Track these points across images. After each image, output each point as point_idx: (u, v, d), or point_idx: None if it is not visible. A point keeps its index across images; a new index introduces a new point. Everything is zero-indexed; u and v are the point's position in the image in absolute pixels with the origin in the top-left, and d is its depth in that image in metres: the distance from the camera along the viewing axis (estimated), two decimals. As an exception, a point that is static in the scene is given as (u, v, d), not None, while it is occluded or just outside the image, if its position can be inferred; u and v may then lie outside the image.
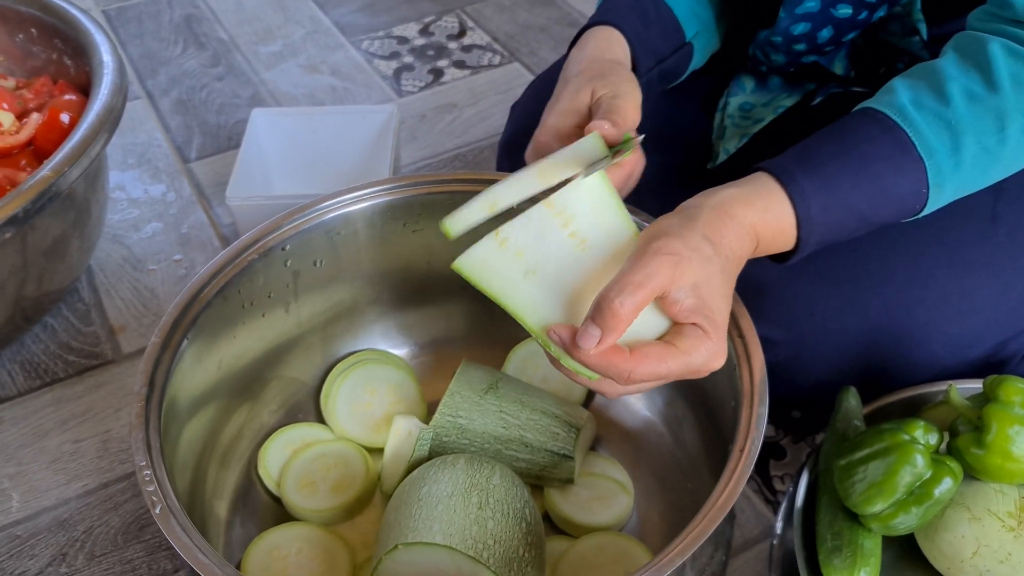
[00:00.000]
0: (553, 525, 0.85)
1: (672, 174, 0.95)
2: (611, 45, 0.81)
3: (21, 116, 1.12)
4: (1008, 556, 0.72)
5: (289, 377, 0.92)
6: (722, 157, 0.94)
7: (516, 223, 0.64)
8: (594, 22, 0.83)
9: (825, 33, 0.85)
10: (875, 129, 0.68)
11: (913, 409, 0.82)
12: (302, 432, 0.90)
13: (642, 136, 0.79)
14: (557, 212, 0.64)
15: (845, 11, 0.83)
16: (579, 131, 0.73)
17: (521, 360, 0.95)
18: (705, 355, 0.62)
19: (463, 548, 0.70)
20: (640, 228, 0.67)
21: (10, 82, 1.20)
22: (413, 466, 0.84)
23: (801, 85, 0.95)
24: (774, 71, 0.95)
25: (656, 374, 0.61)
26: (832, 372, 0.84)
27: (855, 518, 0.74)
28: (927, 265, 0.81)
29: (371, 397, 0.91)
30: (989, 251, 0.82)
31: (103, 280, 1.18)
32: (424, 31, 1.63)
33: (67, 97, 1.12)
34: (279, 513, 0.86)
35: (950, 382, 0.79)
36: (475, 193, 0.88)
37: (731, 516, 0.75)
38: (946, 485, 0.71)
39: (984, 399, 0.74)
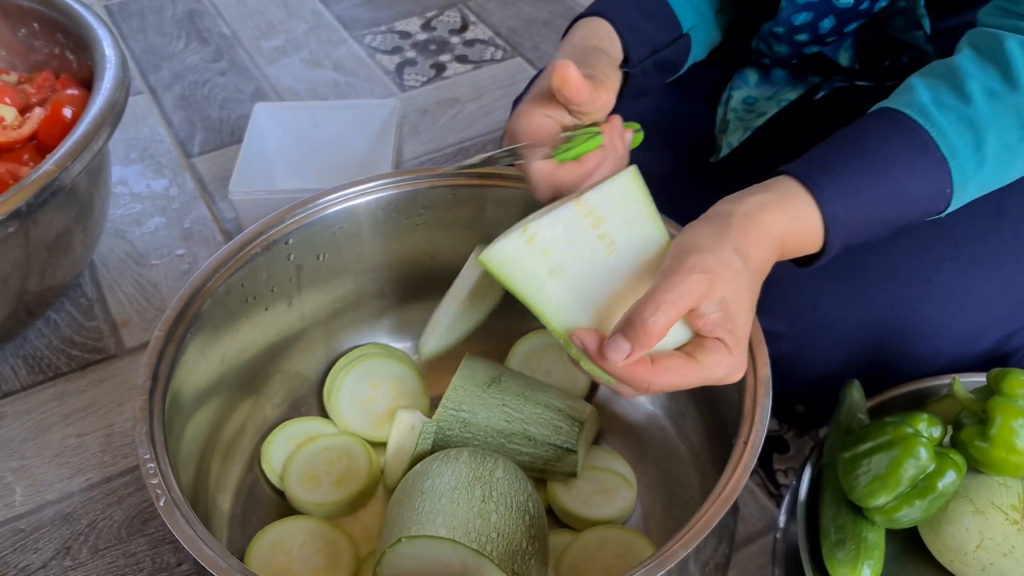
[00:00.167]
0: (556, 519, 0.85)
1: (675, 168, 0.95)
2: (597, 35, 0.80)
3: (24, 111, 1.12)
4: (1012, 549, 0.72)
5: (292, 371, 0.92)
6: (725, 151, 0.93)
7: (546, 221, 0.63)
8: (585, 14, 0.83)
9: (827, 23, 0.85)
10: (895, 129, 0.68)
11: (917, 402, 0.82)
12: (305, 426, 0.90)
13: (640, 131, 0.79)
14: (588, 212, 0.63)
15: (846, 0, 0.83)
16: (549, 118, 0.72)
17: (524, 354, 0.95)
18: (725, 370, 0.62)
19: (466, 541, 0.70)
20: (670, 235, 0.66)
21: (12, 77, 1.19)
22: (416, 460, 0.84)
23: (805, 78, 0.95)
24: (777, 63, 0.95)
25: (674, 385, 0.61)
26: (836, 366, 0.84)
27: (859, 511, 0.74)
28: (931, 259, 0.81)
29: (374, 391, 0.91)
30: (994, 245, 0.82)
31: (106, 275, 1.18)
32: (426, 26, 1.63)
33: (69, 92, 1.12)
34: (282, 507, 0.86)
35: (954, 375, 0.79)
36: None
37: (735, 509, 0.75)
38: (950, 478, 0.71)
39: (988, 392, 0.74)
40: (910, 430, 0.72)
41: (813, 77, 0.94)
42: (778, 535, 0.79)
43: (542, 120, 0.71)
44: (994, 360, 0.84)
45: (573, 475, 0.85)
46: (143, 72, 1.54)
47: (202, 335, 0.79)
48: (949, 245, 0.81)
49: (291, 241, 0.86)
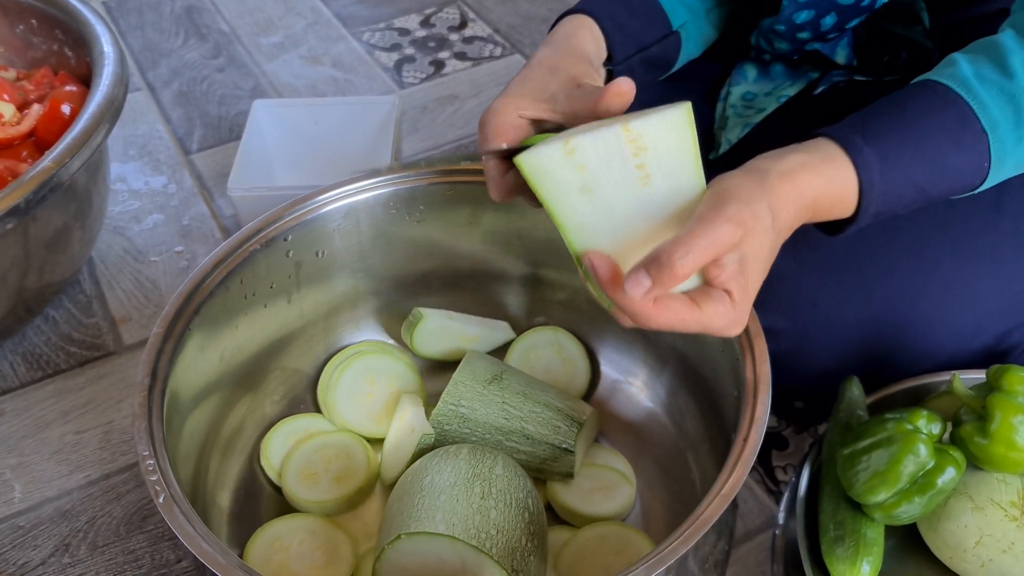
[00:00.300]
0: (555, 515, 0.85)
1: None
2: (580, 33, 0.79)
3: (22, 107, 1.12)
4: (1011, 545, 0.72)
5: (291, 368, 0.92)
6: (724, 147, 0.93)
7: (588, 137, 0.62)
8: (572, 10, 0.82)
9: (829, 20, 0.85)
10: (937, 101, 0.68)
11: (916, 399, 0.82)
12: (304, 423, 0.90)
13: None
14: (632, 139, 0.62)
15: None
16: (522, 117, 0.72)
17: (523, 351, 0.95)
18: (725, 322, 0.61)
19: (466, 537, 0.70)
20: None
21: (11, 73, 1.19)
22: (415, 457, 0.84)
23: (804, 74, 0.95)
24: (777, 59, 0.95)
25: (671, 327, 0.61)
26: (835, 362, 0.84)
27: (858, 508, 0.74)
28: (931, 255, 0.81)
29: (371, 388, 0.91)
30: (993, 241, 0.82)
31: (104, 272, 1.18)
32: (425, 23, 1.63)
33: (68, 88, 1.12)
34: (281, 504, 0.86)
35: (954, 372, 0.79)
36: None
37: (734, 506, 0.75)
38: (949, 475, 0.71)
39: (988, 388, 0.74)
40: (909, 426, 0.72)
41: (812, 72, 0.94)
42: (777, 532, 0.79)
43: (515, 119, 0.71)
44: (993, 356, 0.84)
45: (570, 476, 0.85)
46: (141, 69, 1.54)
47: (201, 332, 0.79)
48: (948, 240, 0.81)
49: (290, 238, 0.86)
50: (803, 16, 0.86)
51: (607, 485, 0.85)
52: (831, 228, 0.71)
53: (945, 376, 0.82)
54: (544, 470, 0.85)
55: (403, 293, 0.96)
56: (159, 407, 0.71)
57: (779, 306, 0.82)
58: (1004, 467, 0.73)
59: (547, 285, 0.95)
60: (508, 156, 0.71)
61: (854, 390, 0.82)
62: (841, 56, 0.91)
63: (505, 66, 1.52)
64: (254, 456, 0.88)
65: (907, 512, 0.72)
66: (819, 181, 0.65)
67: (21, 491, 0.95)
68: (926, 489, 0.71)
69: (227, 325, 0.83)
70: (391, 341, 0.97)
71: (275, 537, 0.81)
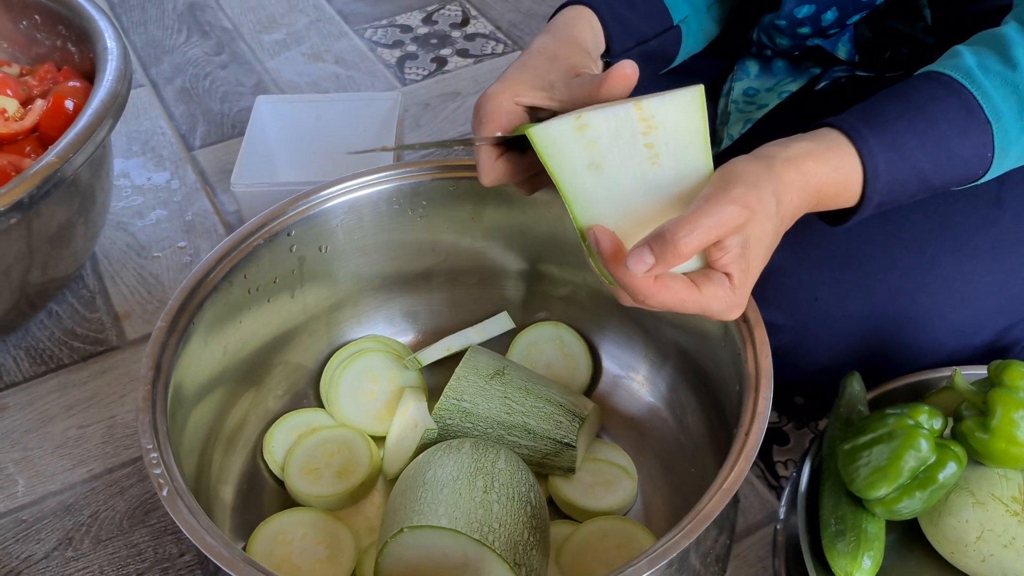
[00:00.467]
0: (557, 510, 0.86)
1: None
2: (578, 24, 0.79)
3: (25, 103, 1.12)
4: (1012, 540, 0.72)
5: (294, 363, 0.92)
6: (726, 143, 0.93)
7: (600, 113, 0.62)
8: (569, 1, 0.82)
9: (830, 15, 0.85)
10: (942, 91, 0.68)
11: (917, 394, 0.82)
12: (307, 417, 0.90)
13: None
14: (643, 118, 0.62)
15: None
16: (518, 104, 0.72)
17: (525, 347, 0.95)
18: (723, 305, 0.62)
19: (468, 531, 0.71)
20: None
21: (14, 69, 1.20)
22: (417, 451, 0.84)
23: (805, 70, 0.95)
24: (778, 55, 0.95)
25: (669, 306, 0.61)
26: (836, 357, 0.84)
27: (859, 503, 0.74)
28: (931, 251, 0.81)
29: (373, 386, 0.92)
30: (994, 237, 0.82)
31: (107, 267, 1.18)
32: (427, 20, 1.63)
33: (71, 84, 1.12)
34: (285, 498, 0.86)
35: (955, 367, 0.79)
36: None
37: (735, 500, 0.75)
38: (950, 470, 0.71)
39: (989, 384, 0.74)
40: (911, 422, 0.72)
41: (814, 68, 0.94)
42: (778, 526, 0.79)
43: (510, 106, 0.71)
44: (994, 352, 0.84)
45: (571, 471, 0.85)
46: (144, 65, 1.54)
47: (204, 326, 0.79)
48: (949, 236, 0.81)
49: (293, 233, 0.86)
50: (804, 12, 0.86)
51: (609, 480, 0.85)
52: (834, 219, 0.71)
53: (946, 372, 0.83)
54: (546, 465, 0.85)
55: (406, 288, 0.96)
56: (163, 401, 0.72)
57: (780, 301, 0.83)
58: (1005, 462, 0.74)
59: (549, 280, 0.95)
60: (502, 143, 0.71)
61: (855, 385, 0.82)
62: (842, 52, 0.91)
63: (506, 63, 1.51)
64: (257, 450, 0.88)
65: (908, 507, 0.72)
66: (824, 169, 0.65)
67: (24, 485, 0.95)
68: (927, 484, 0.71)
69: (230, 320, 0.83)
70: (393, 337, 0.97)
71: (278, 531, 0.81)
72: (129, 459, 0.97)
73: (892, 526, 0.77)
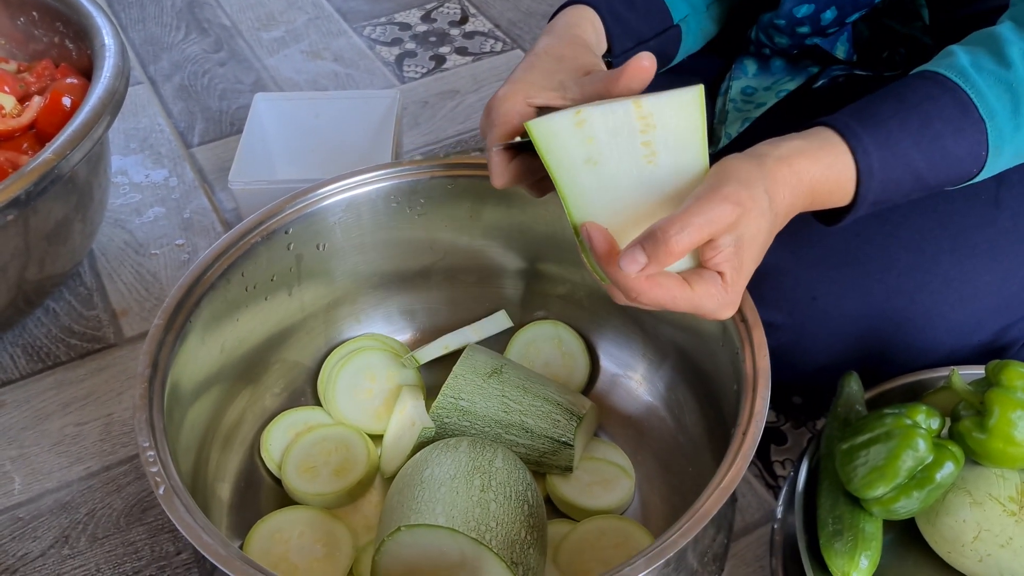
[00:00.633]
0: (555, 508, 0.86)
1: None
2: (582, 25, 0.79)
3: (23, 99, 1.12)
4: (1009, 540, 0.72)
5: (292, 361, 0.92)
6: (724, 141, 0.94)
7: (599, 109, 0.62)
8: (570, 1, 0.82)
9: (829, 14, 0.85)
10: (936, 89, 0.68)
11: (915, 394, 0.82)
12: (304, 416, 0.90)
13: None
14: (641, 116, 0.62)
15: None
16: (531, 106, 0.72)
17: (523, 345, 0.95)
18: (715, 304, 0.62)
19: (465, 530, 0.70)
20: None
21: (12, 65, 1.19)
22: (415, 450, 0.84)
23: (803, 68, 0.95)
24: (777, 53, 0.95)
25: (662, 304, 0.62)
26: (834, 357, 0.84)
27: (856, 502, 0.74)
28: (930, 250, 0.81)
29: (371, 384, 0.92)
30: (992, 236, 0.82)
31: (105, 264, 1.18)
32: (426, 17, 1.63)
33: (69, 80, 1.12)
34: (282, 496, 0.86)
35: (952, 367, 0.79)
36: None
37: (733, 499, 0.75)
38: (948, 469, 0.71)
39: (986, 384, 0.74)
40: (908, 421, 0.72)
41: (812, 67, 0.94)
42: (776, 526, 0.79)
43: (523, 107, 0.71)
44: (992, 351, 0.84)
45: (569, 470, 0.85)
46: (143, 62, 1.54)
47: (202, 324, 0.79)
48: (947, 236, 0.81)
49: (291, 231, 0.86)
50: (803, 11, 0.86)
51: (606, 479, 0.85)
52: (830, 218, 0.71)
53: (944, 371, 0.83)
54: (543, 463, 0.85)
55: (404, 287, 0.96)
56: (160, 399, 0.71)
57: (778, 301, 0.83)
58: (1002, 462, 0.74)
59: (547, 279, 0.95)
60: (514, 146, 0.71)
61: (853, 385, 0.82)
62: (840, 51, 0.91)
63: (506, 61, 1.52)
64: (254, 448, 0.88)
65: (905, 507, 0.72)
66: (817, 167, 0.65)
67: (21, 483, 0.95)
68: (924, 484, 0.71)
69: (228, 318, 0.83)
70: (391, 335, 0.97)
71: (275, 529, 0.81)
72: (126, 457, 0.97)
73: (889, 526, 0.77)
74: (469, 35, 1.58)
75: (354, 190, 0.88)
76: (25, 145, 1.08)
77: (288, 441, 0.88)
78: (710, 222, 0.59)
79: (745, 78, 0.96)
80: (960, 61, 0.68)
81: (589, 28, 0.80)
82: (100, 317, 1.12)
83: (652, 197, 0.63)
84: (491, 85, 1.47)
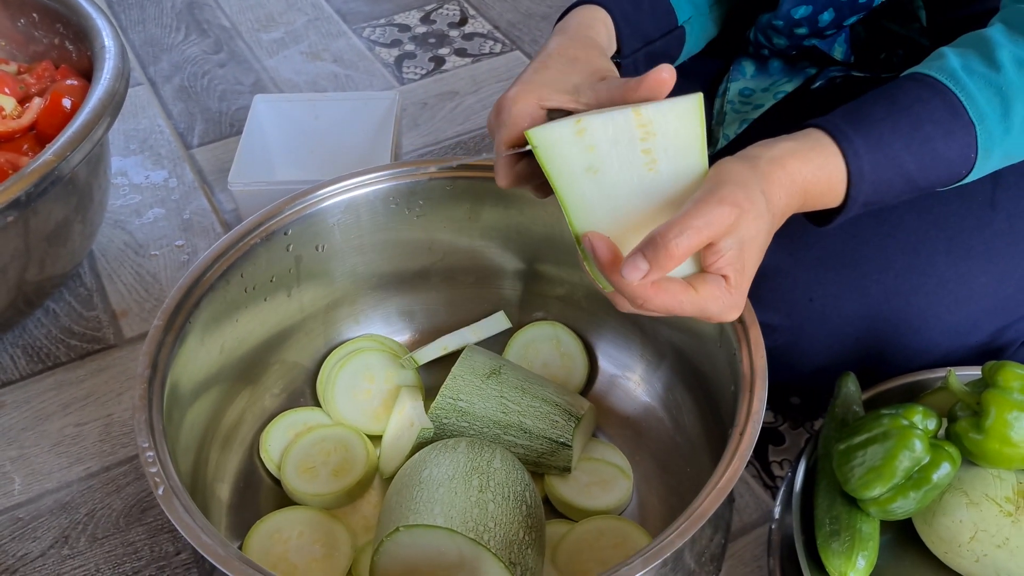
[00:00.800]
0: (553, 509, 0.86)
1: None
2: (594, 26, 0.79)
3: (23, 101, 1.12)
4: (1006, 541, 0.72)
5: (291, 361, 0.92)
6: (722, 143, 0.94)
7: (599, 118, 0.63)
8: (581, 1, 0.82)
9: (827, 16, 0.85)
10: (926, 92, 0.68)
11: (912, 395, 0.83)
12: (304, 416, 0.91)
13: None
14: (641, 124, 0.62)
15: None
16: (542, 108, 0.71)
17: (522, 346, 0.95)
18: (721, 306, 0.62)
19: (464, 530, 0.71)
20: None
21: (12, 67, 1.20)
22: (413, 450, 0.84)
23: (801, 70, 0.95)
24: (775, 55, 0.95)
25: (668, 309, 0.62)
26: (831, 358, 0.84)
27: (853, 503, 0.74)
28: (926, 252, 0.82)
29: (370, 385, 0.92)
30: (988, 238, 0.82)
31: (105, 265, 1.18)
32: (425, 19, 1.63)
33: (69, 82, 1.12)
34: (281, 496, 0.87)
35: (949, 368, 0.79)
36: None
37: (730, 500, 0.76)
38: (944, 470, 0.71)
39: (983, 385, 0.74)
40: (905, 422, 0.72)
41: (809, 69, 0.95)
42: (773, 526, 0.80)
43: (534, 109, 0.70)
44: (988, 353, 0.84)
45: (567, 470, 0.85)
46: (143, 63, 1.54)
47: (201, 325, 0.79)
48: (943, 237, 0.82)
49: (290, 232, 0.86)
50: (801, 12, 0.86)
51: (604, 479, 0.86)
52: (821, 219, 0.71)
53: (941, 372, 0.83)
54: (542, 464, 0.85)
55: (402, 288, 0.96)
56: (159, 399, 0.72)
57: (775, 302, 0.83)
58: (999, 463, 0.74)
59: (545, 280, 0.95)
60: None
61: (850, 386, 0.82)
62: (838, 53, 0.91)
63: (505, 63, 1.52)
64: (254, 449, 0.88)
65: (902, 507, 0.72)
66: (808, 168, 0.66)
67: (21, 483, 0.95)
68: (921, 484, 0.71)
69: (227, 318, 0.83)
70: (390, 336, 0.98)
71: (274, 529, 0.81)
72: (126, 457, 0.97)
73: (886, 526, 0.77)
74: (468, 36, 1.59)
75: (353, 191, 0.88)
76: (25, 146, 1.08)
77: (287, 441, 0.88)
78: (709, 224, 0.59)
79: (743, 79, 0.97)
80: (951, 64, 0.69)
81: (602, 30, 0.79)
82: (100, 318, 1.12)
83: (653, 204, 0.64)
84: (490, 86, 1.47)
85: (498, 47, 1.56)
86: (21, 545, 0.90)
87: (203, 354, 0.80)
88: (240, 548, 0.80)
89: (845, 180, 0.67)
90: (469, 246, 0.94)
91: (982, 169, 0.70)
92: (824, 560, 0.72)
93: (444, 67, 1.52)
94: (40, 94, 1.13)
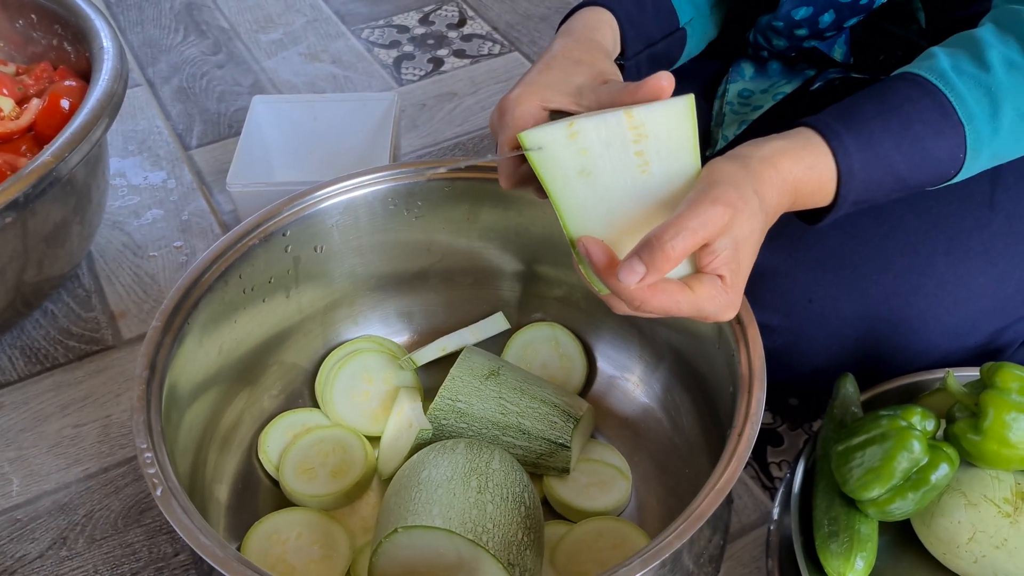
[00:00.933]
0: (552, 510, 0.86)
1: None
2: (600, 28, 0.79)
3: (21, 102, 1.12)
4: (1004, 542, 0.72)
5: (289, 362, 0.92)
6: (721, 144, 0.94)
7: (591, 121, 0.63)
8: (586, 2, 0.82)
9: (827, 17, 0.86)
10: (917, 92, 0.69)
11: (910, 396, 0.83)
12: (302, 417, 0.91)
13: None
14: (633, 126, 0.62)
15: None
16: (545, 110, 0.71)
17: (521, 347, 0.95)
18: (718, 306, 0.62)
19: (462, 531, 0.71)
20: None
21: (10, 68, 1.20)
22: (412, 451, 0.84)
23: (800, 72, 0.95)
24: (774, 56, 0.95)
25: (665, 310, 0.62)
26: (830, 359, 0.84)
27: (852, 504, 0.74)
28: (925, 253, 0.82)
29: (368, 386, 0.92)
30: (987, 239, 0.82)
31: (103, 266, 1.18)
32: (424, 20, 1.63)
33: (67, 83, 1.12)
34: (279, 498, 0.86)
35: (947, 369, 0.79)
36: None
37: (729, 501, 0.76)
38: (942, 471, 0.71)
39: (981, 386, 0.74)
40: (903, 423, 0.72)
41: (808, 70, 0.95)
42: (772, 527, 0.80)
43: (537, 111, 0.70)
44: (986, 354, 0.84)
45: (566, 471, 0.85)
46: (141, 65, 1.54)
47: (200, 326, 0.79)
48: (942, 238, 0.82)
49: (288, 233, 0.86)
50: (801, 13, 0.86)
51: (603, 480, 0.86)
52: (812, 218, 0.72)
53: (939, 373, 0.83)
54: (540, 465, 0.86)
55: (401, 289, 0.96)
56: (157, 401, 0.72)
57: (774, 303, 0.83)
58: (997, 464, 0.74)
59: (544, 281, 0.95)
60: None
61: (848, 387, 0.82)
62: (838, 54, 0.91)
63: (503, 64, 1.52)
64: (252, 450, 0.88)
65: (901, 508, 0.72)
66: (799, 167, 0.66)
67: (19, 484, 0.95)
68: (919, 485, 0.71)
69: (226, 319, 0.83)
70: (389, 337, 0.98)
71: (272, 531, 0.81)
72: (124, 458, 0.97)
73: (885, 527, 0.77)
74: (467, 38, 1.59)
75: (352, 192, 0.88)
76: (24, 147, 1.08)
77: (286, 443, 0.88)
78: (703, 225, 0.59)
79: (742, 81, 0.97)
80: (941, 64, 0.69)
81: (608, 32, 0.79)
82: (98, 319, 1.12)
83: (647, 206, 0.64)
84: (489, 87, 1.47)
85: (497, 48, 1.56)
86: (19, 546, 0.90)
87: (201, 355, 0.80)
88: (238, 549, 0.80)
89: (835, 179, 0.68)
90: (468, 247, 0.94)
91: (971, 169, 0.71)
92: (823, 561, 0.72)
93: (443, 68, 1.52)
94: (38, 95, 1.13)
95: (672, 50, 0.88)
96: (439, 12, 1.65)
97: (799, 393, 0.98)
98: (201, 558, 0.61)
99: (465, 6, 1.66)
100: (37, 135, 1.09)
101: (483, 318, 0.96)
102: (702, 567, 0.71)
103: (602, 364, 0.95)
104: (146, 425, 0.69)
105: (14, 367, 1.07)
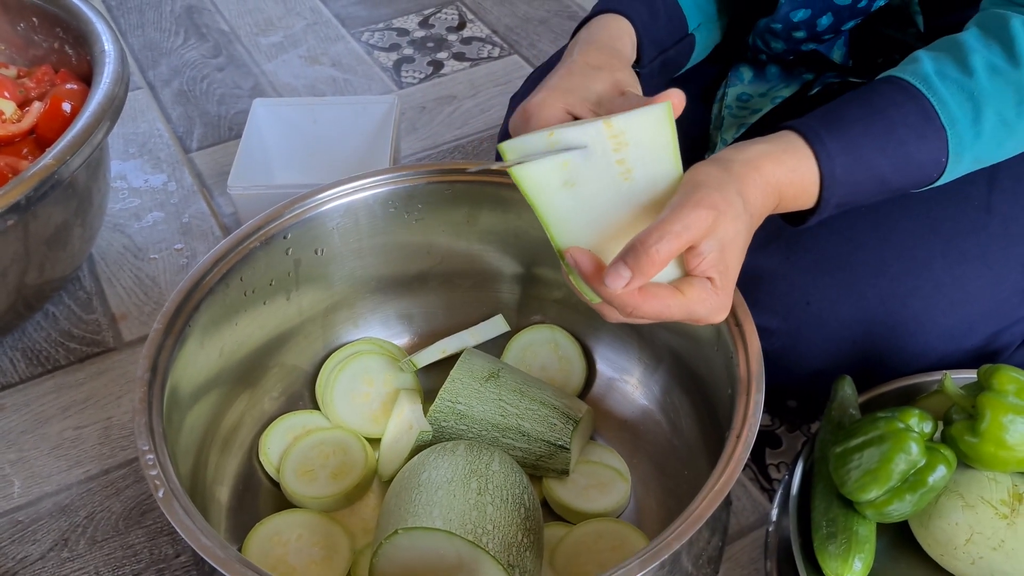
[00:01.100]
0: (551, 511, 0.86)
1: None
2: (622, 38, 0.80)
3: (23, 105, 1.12)
4: (1001, 543, 0.73)
5: (290, 364, 0.92)
6: (720, 147, 0.94)
7: (571, 131, 0.63)
8: (603, 9, 0.82)
9: (825, 20, 0.86)
10: (900, 96, 0.69)
11: (908, 398, 0.83)
12: (303, 419, 0.91)
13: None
14: (613, 135, 0.63)
15: None
16: (565, 115, 0.72)
17: (520, 350, 0.95)
18: (708, 308, 0.63)
19: (462, 533, 0.71)
20: None
21: (12, 71, 1.20)
22: (412, 453, 0.85)
23: (798, 75, 0.95)
24: (773, 60, 0.96)
25: (657, 315, 0.62)
26: (828, 361, 0.85)
27: (850, 505, 0.75)
28: (922, 255, 0.82)
29: (368, 388, 0.92)
30: (983, 241, 0.82)
31: (104, 269, 1.19)
32: (424, 23, 1.64)
33: (69, 86, 1.13)
34: (280, 499, 0.87)
35: (945, 371, 0.80)
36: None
37: (727, 503, 0.76)
38: (940, 473, 0.72)
39: (978, 388, 0.74)
40: (901, 425, 0.73)
41: (806, 74, 0.95)
42: (770, 528, 0.80)
43: (562, 115, 0.71)
44: (983, 356, 0.85)
45: (565, 473, 0.85)
46: (142, 68, 1.54)
47: (201, 328, 0.79)
48: (939, 241, 0.82)
49: (289, 236, 0.86)
50: (799, 15, 0.86)
51: (602, 482, 0.86)
52: (796, 220, 0.72)
53: (936, 376, 0.83)
54: (540, 467, 0.86)
55: (401, 291, 0.96)
56: (159, 402, 0.72)
57: (772, 305, 0.83)
58: (994, 465, 0.74)
59: (543, 283, 0.95)
60: None
61: (846, 389, 0.82)
62: (837, 56, 0.91)
63: (503, 67, 1.53)
64: (253, 452, 0.88)
65: (898, 510, 0.73)
66: (781, 169, 0.67)
67: (20, 486, 0.96)
68: (917, 487, 0.72)
69: (226, 322, 0.83)
70: (389, 339, 0.98)
71: (273, 532, 0.81)
72: (125, 460, 0.98)
73: (883, 528, 0.77)
74: (467, 41, 1.59)
75: (352, 195, 0.89)
76: (25, 150, 1.08)
77: (286, 444, 0.89)
78: (687, 228, 0.59)
79: (741, 85, 0.97)
80: (925, 68, 0.69)
81: (627, 42, 0.80)
82: (99, 321, 1.12)
83: (632, 213, 0.64)
84: (488, 90, 1.47)
85: (496, 51, 1.56)
86: (20, 548, 0.90)
87: (202, 357, 0.81)
88: (240, 550, 0.80)
89: (818, 182, 0.68)
90: (467, 250, 0.94)
91: (953, 172, 0.71)
92: (821, 562, 0.72)
93: (442, 71, 1.52)
94: (40, 98, 1.13)
95: (681, 56, 0.89)
96: (439, 15, 1.65)
97: (797, 395, 0.98)
98: (202, 559, 0.62)
99: (465, 9, 1.67)
100: (39, 138, 1.10)
101: (483, 320, 0.97)
102: (701, 568, 0.71)
103: (601, 366, 0.96)
104: (148, 427, 0.69)
105: (15, 369, 1.07)
